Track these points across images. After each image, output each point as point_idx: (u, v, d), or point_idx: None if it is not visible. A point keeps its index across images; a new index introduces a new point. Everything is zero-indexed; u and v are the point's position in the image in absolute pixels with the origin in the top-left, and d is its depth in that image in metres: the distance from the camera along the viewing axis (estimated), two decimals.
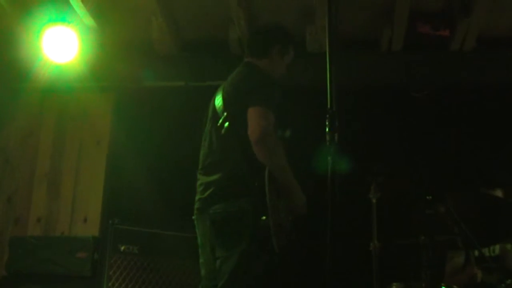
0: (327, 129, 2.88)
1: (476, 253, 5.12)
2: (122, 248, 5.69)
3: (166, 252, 5.77)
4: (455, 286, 4.57)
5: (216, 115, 4.04)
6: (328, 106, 2.92)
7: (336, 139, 2.86)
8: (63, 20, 5.70)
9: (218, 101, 4.04)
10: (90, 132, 6.93)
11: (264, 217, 3.62)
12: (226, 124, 3.90)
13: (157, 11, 6.09)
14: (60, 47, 5.75)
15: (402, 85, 6.67)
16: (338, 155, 2.81)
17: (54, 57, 5.86)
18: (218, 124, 3.95)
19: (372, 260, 4.87)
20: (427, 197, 4.49)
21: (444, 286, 4.52)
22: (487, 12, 5.94)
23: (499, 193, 5.34)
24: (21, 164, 6.86)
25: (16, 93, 6.76)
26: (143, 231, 5.79)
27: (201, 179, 4.06)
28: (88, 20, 5.97)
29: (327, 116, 2.89)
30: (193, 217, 4.09)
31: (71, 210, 6.67)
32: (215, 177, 3.92)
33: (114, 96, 6.96)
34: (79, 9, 5.77)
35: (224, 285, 3.75)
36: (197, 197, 4.06)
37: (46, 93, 6.92)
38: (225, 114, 3.92)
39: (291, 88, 6.58)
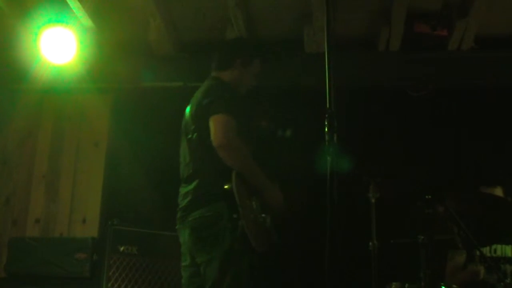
0: (326, 129, 2.88)
1: (477, 252, 5.13)
2: (121, 248, 5.71)
3: (165, 253, 5.78)
4: (454, 286, 4.57)
5: (187, 129, 4.30)
6: (327, 106, 2.91)
7: (335, 139, 2.86)
8: (61, 21, 5.70)
9: (187, 116, 4.32)
10: (88, 133, 6.94)
11: (235, 215, 3.80)
12: (195, 135, 4.16)
13: (155, 12, 6.09)
14: (58, 48, 5.75)
15: (400, 85, 6.68)
16: (337, 155, 2.82)
17: (52, 58, 5.86)
18: (188, 138, 4.23)
19: (371, 260, 4.87)
20: (426, 197, 4.50)
21: (443, 286, 4.52)
22: (485, 12, 5.95)
23: (499, 192, 5.36)
24: (19, 165, 6.86)
25: (14, 94, 6.76)
26: (142, 232, 5.81)
27: (181, 190, 4.25)
28: (86, 21, 5.96)
29: (326, 116, 2.89)
30: (176, 227, 4.24)
31: (70, 211, 6.67)
32: (191, 186, 4.13)
33: (112, 97, 6.97)
34: (77, 10, 5.76)
35: (216, 283, 3.90)
36: (178, 208, 4.23)
37: (44, 94, 6.92)
38: (193, 127, 4.18)
39: (289, 88, 6.65)
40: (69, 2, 5.61)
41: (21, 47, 6.09)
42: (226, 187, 3.88)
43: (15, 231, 6.62)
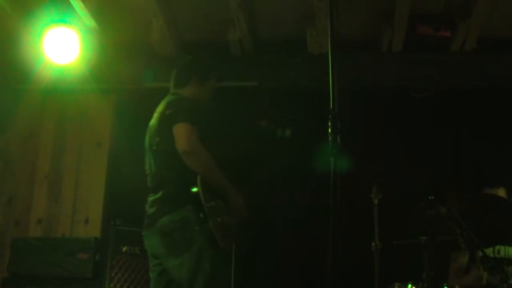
0: (329, 130, 2.88)
1: (480, 253, 5.13)
2: (124, 249, 5.72)
3: None
4: (457, 287, 4.58)
5: (151, 141, 4.52)
6: (330, 107, 2.91)
7: (338, 140, 2.86)
8: (64, 21, 5.70)
9: (151, 128, 4.55)
10: (90, 133, 6.94)
11: (201, 215, 4.00)
12: (160, 146, 4.38)
13: (157, 13, 6.10)
14: (61, 48, 5.75)
15: (402, 86, 6.69)
16: (339, 156, 2.83)
17: (55, 58, 5.86)
18: (153, 149, 4.44)
19: (374, 260, 4.88)
20: (429, 198, 4.50)
21: (446, 287, 4.53)
22: (488, 13, 5.95)
23: (502, 192, 5.36)
24: (21, 166, 6.85)
25: (16, 94, 6.75)
26: None
27: (149, 199, 4.43)
28: (89, 21, 5.96)
29: (329, 117, 2.90)
30: (142, 233, 4.42)
31: (72, 212, 6.66)
32: (158, 195, 4.32)
33: (115, 98, 6.97)
34: (80, 10, 5.77)
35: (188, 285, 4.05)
36: (145, 215, 4.40)
37: (47, 95, 6.92)
38: (157, 138, 4.40)
39: (291, 89, 6.66)
40: (72, 3, 5.61)
41: (24, 47, 6.09)
42: (193, 190, 4.09)
43: (17, 231, 6.60)
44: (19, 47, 6.16)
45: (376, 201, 5.05)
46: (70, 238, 6.48)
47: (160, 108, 4.52)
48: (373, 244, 4.92)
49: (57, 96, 6.93)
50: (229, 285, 4.49)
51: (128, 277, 5.70)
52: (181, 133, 4.15)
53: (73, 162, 6.88)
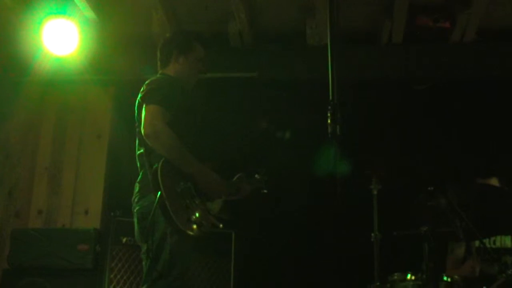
0: (329, 121, 2.89)
1: (477, 244, 5.16)
2: (124, 240, 5.72)
3: None
4: (456, 276, 4.60)
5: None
6: (330, 97, 2.93)
7: (338, 131, 2.88)
8: (63, 12, 5.70)
9: (135, 110, 4.40)
10: (90, 125, 6.97)
11: (159, 193, 3.82)
12: (137, 129, 4.28)
13: (157, 5, 6.10)
14: (61, 40, 5.76)
15: (402, 77, 6.69)
16: (339, 151, 2.83)
17: (55, 50, 5.86)
18: (136, 132, 4.34)
19: (373, 251, 4.91)
20: (428, 188, 4.52)
21: (445, 277, 4.55)
22: (488, 4, 5.95)
23: (495, 182, 5.37)
24: (21, 157, 6.84)
25: (16, 86, 6.73)
26: None
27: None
28: (89, 13, 5.96)
29: (329, 107, 2.90)
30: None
31: (72, 203, 6.70)
32: (138, 178, 4.28)
33: (115, 90, 6.99)
34: (80, 2, 5.77)
35: (148, 272, 4.00)
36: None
37: (47, 87, 6.94)
38: (136, 122, 4.33)
39: (291, 81, 6.67)
40: None
41: (23, 39, 6.09)
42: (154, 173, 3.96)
43: (18, 222, 6.60)
44: (19, 38, 6.16)
45: (375, 192, 5.08)
46: (70, 229, 6.50)
47: (141, 89, 4.43)
48: (372, 235, 4.96)
49: (57, 88, 6.94)
50: (188, 273, 4.39)
51: (128, 268, 5.70)
52: (146, 115, 4.05)
53: (73, 153, 6.90)
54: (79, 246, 5.83)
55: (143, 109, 4.11)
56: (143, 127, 4.02)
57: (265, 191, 4.72)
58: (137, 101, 4.34)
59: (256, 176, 4.76)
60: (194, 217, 3.93)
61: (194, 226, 3.92)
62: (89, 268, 5.81)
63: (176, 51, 4.60)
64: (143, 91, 4.27)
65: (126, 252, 5.72)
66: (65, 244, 5.86)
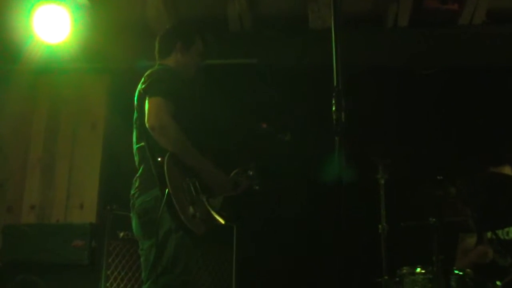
0: (333, 108, 2.88)
1: (490, 235, 5.14)
2: (121, 234, 5.72)
3: None
4: (468, 270, 4.58)
5: (134, 118, 4.42)
6: (334, 84, 2.91)
7: (342, 119, 2.86)
8: None
9: (135, 102, 4.41)
10: (85, 115, 6.96)
11: (167, 190, 3.84)
12: (138, 122, 4.31)
13: None
14: (52, 26, 5.73)
15: (408, 62, 6.67)
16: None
17: (46, 37, 5.84)
18: (135, 126, 4.38)
19: (380, 243, 4.90)
20: (437, 178, 4.51)
21: (456, 270, 4.54)
22: None
23: (508, 170, 5.36)
24: (13, 149, 6.84)
25: (7, 75, 6.74)
26: None
27: (134, 178, 4.35)
28: None
29: (333, 94, 2.89)
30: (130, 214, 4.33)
31: (66, 197, 6.69)
32: (138, 174, 4.28)
33: (110, 78, 6.99)
34: None
35: (151, 269, 4.01)
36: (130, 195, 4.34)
37: (38, 75, 6.92)
38: (137, 115, 4.35)
39: (293, 67, 6.65)
40: None
41: (13, 25, 6.03)
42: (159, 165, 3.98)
43: (9, 218, 6.62)
44: (8, 25, 6.11)
45: (382, 182, 5.06)
46: (64, 224, 6.49)
47: (141, 81, 4.43)
48: (379, 226, 4.95)
49: (49, 76, 6.94)
50: (192, 269, 4.41)
51: (126, 264, 5.71)
52: (151, 107, 4.06)
53: (67, 144, 6.90)
54: (74, 242, 5.83)
55: (147, 101, 4.11)
56: (148, 120, 4.03)
57: (257, 187, 4.71)
58: (137, 92, 4.34)
59: (249, 172, 4.76)
60: (199, 213, 3.94)
61: (199, 223, 3.95)
62: (85, 265, 5.80)
63: (179, 43, 4.62)
64: (144, 82, 4.27)
65: (124, 247, 5.73)
66: (60, 240, 5.85)
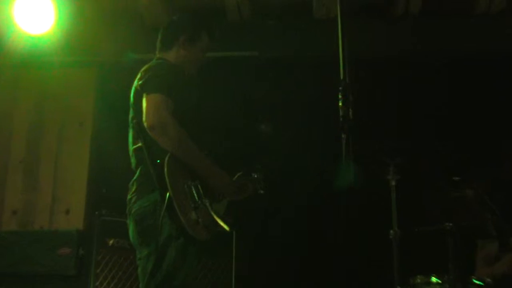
0: (340, 104, 2.84)
1: None
2: (111, 242, 5.73)
3: None
4: (488, 279, 4.52)
5: (130, 117, 4.38)
6: (341, 77, 2.89)
7: (350, 115, 2.83)
8: None
9: (130, 102, 4.38)
10: (71, 112, 6.93)
11: (168, 194, 3.79)
12: (134, 121, 4.23)
13: None
14: (34, 16, 5.75)
15: (419, 53, 6.62)
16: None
17: (28, 28, 5.87)
18: (131, 125, 4.32)
19: (392, 250, 4.83)
20: (454, 179, 4.46)
21: (474, 279, 4.48)
22: None
23: None
24: None
25: None
26: None
27: (130, 182, 4.31)
28: None
29: (340, 89, 2.86)
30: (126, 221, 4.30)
31: (51, 201, 6.65)
32: (135, 177, 4.23)
33: (98, 72, 6.98)
34: None
35: (149, 278, 3.95)
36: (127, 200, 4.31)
37: (20, 70, 6.91)
38: (133, 114, 4.30)
39: (296, 59, 6.62)
40: None
41: None
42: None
43: None
44: None
45: (393, 183, 4.99)
46: (49, 231, 6.46)
47: (137, 76, 4.36)
48: (391, 231, 4.87)
49: (32, 71, 6.92)
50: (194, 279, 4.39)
51: (116, 274, 5.71)
52: (149, 105, 4.00)
53: (52, 144, 6.87)
54: (60, 250, 5.86)
55: (144, 98, 4.07)
56: (146, 119, 3.98)
57: (262, 191, 4.67)
58: (133, 89, 4.30)
59: (254, 175, 4.71)
60: (202, 219, 3.90)
61: (202, 229, 3.91)
62: (72, 275, 5.85)
63: (183, 37, 4.56)
64: (141, 78, 4.22)
65: (113, 256, 5.73)
66: (44, 248, 5.92)
